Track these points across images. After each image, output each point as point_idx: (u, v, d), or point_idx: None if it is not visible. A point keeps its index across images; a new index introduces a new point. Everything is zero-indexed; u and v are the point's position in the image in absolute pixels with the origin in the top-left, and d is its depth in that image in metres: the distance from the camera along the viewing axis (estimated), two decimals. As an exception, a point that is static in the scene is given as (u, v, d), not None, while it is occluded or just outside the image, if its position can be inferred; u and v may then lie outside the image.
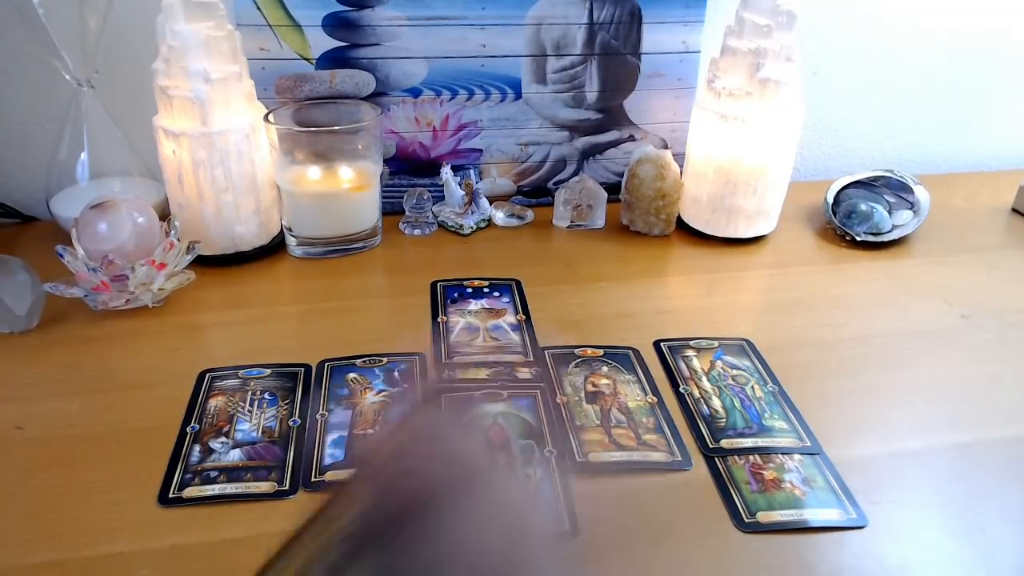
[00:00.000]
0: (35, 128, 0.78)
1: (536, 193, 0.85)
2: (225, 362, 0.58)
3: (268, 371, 0.57)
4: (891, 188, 0.83)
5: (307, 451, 0.50)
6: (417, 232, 0.79)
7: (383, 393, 0.55)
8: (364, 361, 0.58)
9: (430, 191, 0.79)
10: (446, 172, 0.79)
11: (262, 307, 0.66)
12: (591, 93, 0.81)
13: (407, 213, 0.79)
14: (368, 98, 0.77)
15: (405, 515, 0.23)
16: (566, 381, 0.57)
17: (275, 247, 0.74)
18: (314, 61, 0.75)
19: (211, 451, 0.49)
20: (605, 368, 0.58)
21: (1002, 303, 0.68)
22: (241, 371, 0.57)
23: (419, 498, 0.24)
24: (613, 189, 0.83)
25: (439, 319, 0.64)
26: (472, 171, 0.82)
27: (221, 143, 0.66)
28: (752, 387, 0.57)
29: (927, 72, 0.96)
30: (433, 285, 0.69)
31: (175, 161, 0.66)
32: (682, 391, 0.56)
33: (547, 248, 0.77)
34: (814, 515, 0.46)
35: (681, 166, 0.79)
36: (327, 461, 0.49)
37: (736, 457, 0.50)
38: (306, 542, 0.24)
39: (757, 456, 0.50)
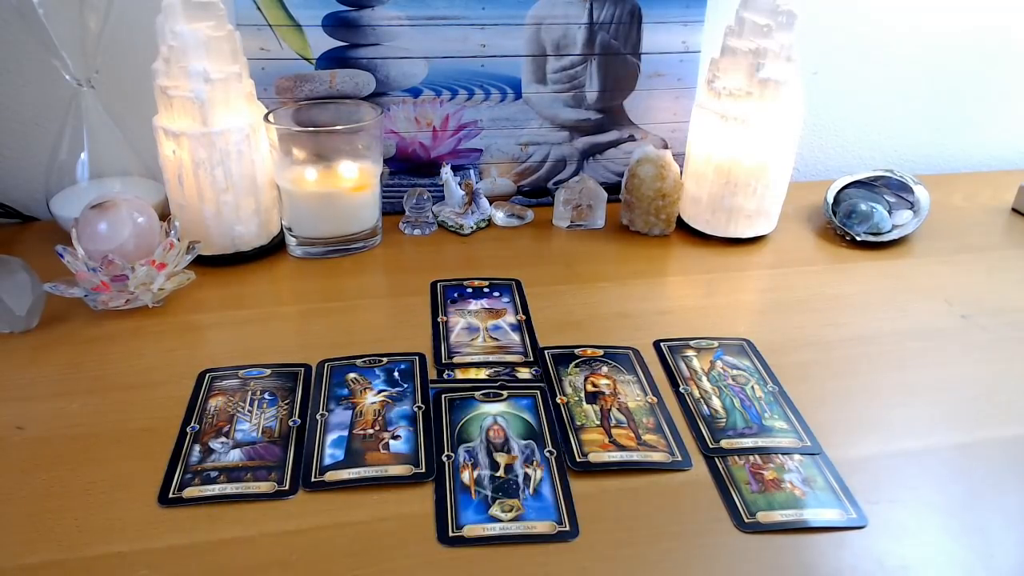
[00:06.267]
0: (35, 128, 0.78)
1: (536, 193, 0.85)
2: (225, 362, 0.58)
3: (268, 371, 0.57)
4: (891, 188, 0.83)
5: (307, 451, 0.50)
6: (417, 232, 0.79)
7: (383, 393, 0.55)
8: (364, 361, 0.58)
9: (430, 191, 0.79)
10: (446, 172, 0.79)
11: (262, 307, 0.66)
12: (591, 93, 0.81)
13: (407, 213, 0.79)
14: (368, 98, 0.77)
15: None
16: (566, 381, 0.57)
17: (275, 247, 0.74)
18: (314, 61, 0.75)
19: (211, 451, 0.49)
20: (605, 368, 0.58)
21: (1002, 303, 0.68)
22: (241, 371, 0.57)
23: None
24: (613, 189, 0.83)
25: (439, 319, 0.64)
26: (472, 171, 0.82)
27: (221, 143, 0.66)
28: (752, 387, 0.57)
29: (927, 72, 0.96)
30: (433, 285, 0.69)
31: (175, 161, 0.66)
32: (682, 391, 0.56)
33: (547, 248, 0.77)
34: (814, 515, 0.46)
35: (681, 166, 0.79)
36: (327, 461, 0.49)
37: (736, 457, 0.50)
38: None
39: (757, 456, 0.50)
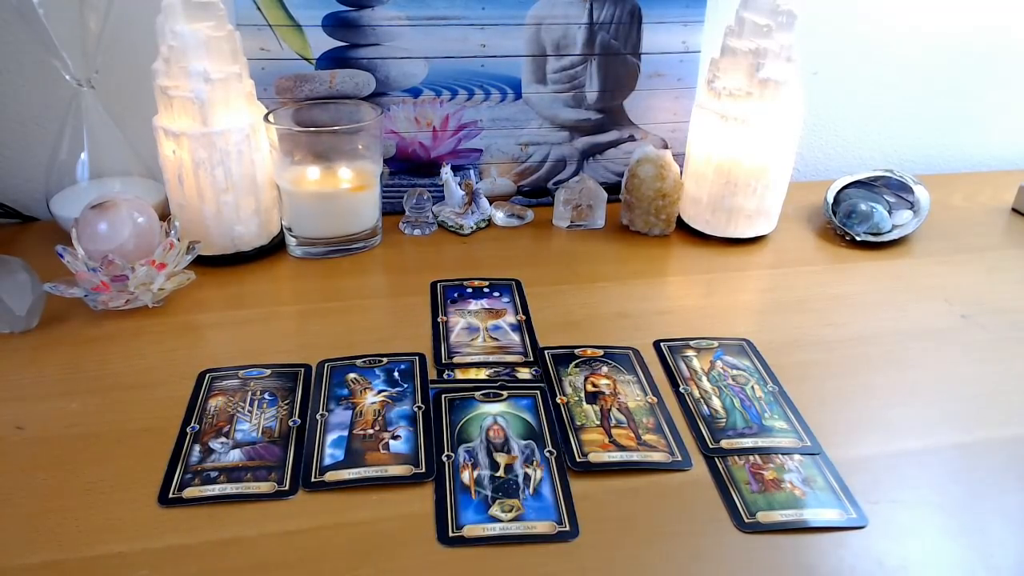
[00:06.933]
0: (35, 128, 0.78)
1: (536, 193, 0.85)
2: (225, 362, 0.58)
3: (268, 371, 0.57)
4: (891, 188, 0.83)
5: (307, 451, 0.50)
6: (417, 232, 0.79)
7: (383, 393, 0.55)
8: (364, 361, 0.58)
9: (430, 191, 0.79)
10: (446, 172, 0.79)
11: (262, 307, 0.66)
12: (591, 93, 0.81)
13: (407, 213, 0.79)
14: (368, 98, 0.77)
15: None
16: (566, 381, 0.57)
17: (275, 247, 0.74)
18: (314, 61, 0.75)
19: (211, 451, 0.49)
20: (605, 368, 0.58)
21: (1002, 303, 0.68)
22: (241, 371, 0.57)
23: None
24: (613, 189, 0.83)
25: (439, 319, 0.64)
26: (472, 171, 0.82)
27: (221, 143, 0.66)
28: (752, 387, 0.57)
29: (927, 72, 0.96)
30: (433, 285, 0.69)
31: (175, 161, 0.66)
32: (682, 391, 0.56)
33: (547, 248, 0.77)
34: (814, 515, 0.46)
35: (681, 166, 0.79)
36: (327, 461, 0.49)
37: (736, 457, 0.50)
38: None
39: (757, 456, 0.50)
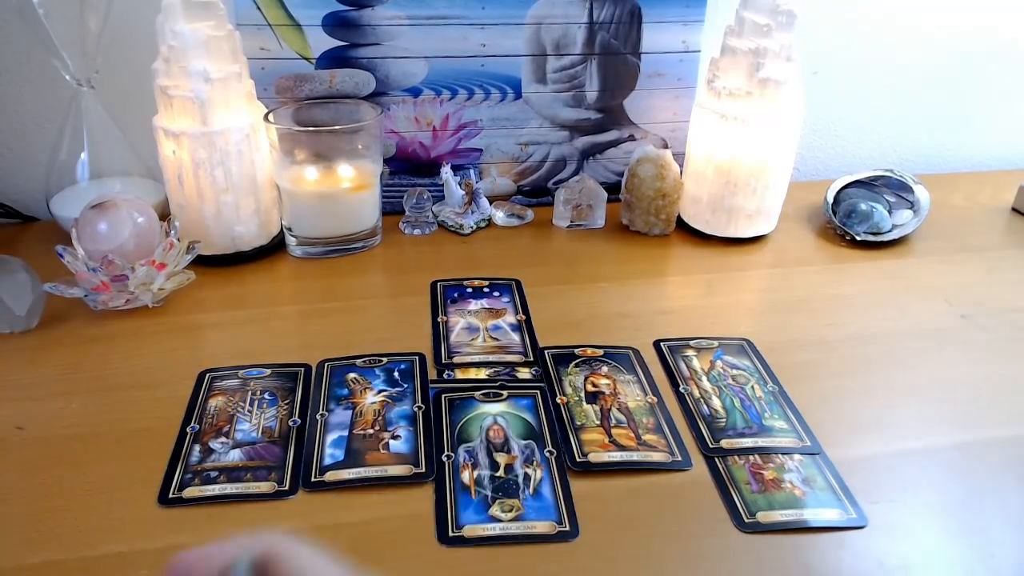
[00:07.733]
0: (35, 128, 0.78)
1: (536, 193, 0.85)
2: (225, 362, 0.58)
3: (268, 371, 0.57)
4: (891, 188, 0.83)
5: (307, 451, 0.50)
6: (417, 232, 0.79)
7: (383, 393, 0.55)
8: (364, 361, 0.58)
9: (430, 191, 0.79)
10: (446, 172, 0.79)
11: (262, 307, 0.66)
12: (591, 93, 0.81)
13: (407, 213, 0.79)
14: (368, 98, 0.77)
15: None
16: (566, 381, 0.57)
17: (275, 247, 0.74)
18: (314, 61, 0.75)
19: (211, 451, 0.49)
20: (605, 368, 0.58)
21: (1002, 303, 0.68)
22: (241, 371, 0.57)
23: None
24: (613, 189, 0.83)
25: (439, 319, 0.64)
26: (472, 171, 0.82)
27: (221, 143, 0.66)
28: (752, 387, 0.57)
29: (927, 72, 0.96)
30: (433, 285, 0.69)
31: (175, 161, 0.66)
32: (682, 391, 0.56)
33: (547, 248, 0.77)
34: (814, 515, 0.46)
35: (681, 166, 0.79)
36: (327, 461, 0.49)
37: (736, 457, 0.50)
38: None
39: (757, 456, 0.50)
